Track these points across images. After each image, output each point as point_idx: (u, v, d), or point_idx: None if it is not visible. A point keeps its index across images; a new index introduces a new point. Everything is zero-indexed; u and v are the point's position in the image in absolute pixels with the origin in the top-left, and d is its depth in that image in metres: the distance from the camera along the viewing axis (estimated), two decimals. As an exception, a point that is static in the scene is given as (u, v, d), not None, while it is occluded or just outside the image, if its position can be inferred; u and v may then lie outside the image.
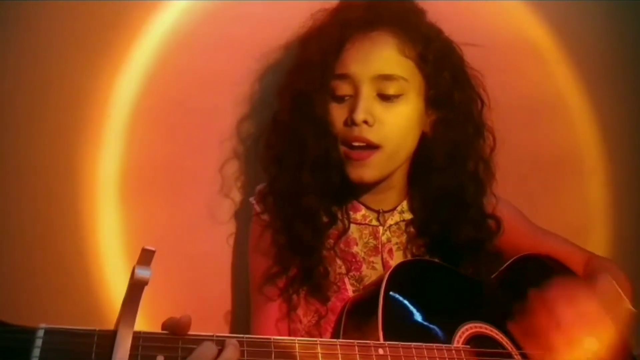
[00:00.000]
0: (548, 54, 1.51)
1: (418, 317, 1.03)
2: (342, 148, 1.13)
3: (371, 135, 1.11)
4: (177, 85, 1.26)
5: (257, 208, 1.20)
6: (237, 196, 1.32)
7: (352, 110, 1.10)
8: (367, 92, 1.11)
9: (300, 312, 1.14)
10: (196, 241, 1.28)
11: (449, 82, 1.17)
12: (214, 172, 1.29)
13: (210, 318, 1.26)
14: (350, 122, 1.11)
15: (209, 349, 0.76)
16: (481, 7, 1.43)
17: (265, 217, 1.19)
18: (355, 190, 1.20)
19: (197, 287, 1.27)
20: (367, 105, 1.10)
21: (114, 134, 1.21)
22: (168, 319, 0.78)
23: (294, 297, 1.13)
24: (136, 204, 1.24)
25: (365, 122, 1.10)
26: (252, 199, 1.23)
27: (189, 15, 1.25)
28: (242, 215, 1.30)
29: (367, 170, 1.13)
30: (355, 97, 1.12)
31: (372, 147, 1.11)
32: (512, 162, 1.33)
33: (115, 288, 1.19)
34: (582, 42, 1.53)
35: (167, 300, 1.11)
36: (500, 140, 1.26)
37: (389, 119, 1.12)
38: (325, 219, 1.16)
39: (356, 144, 1.11)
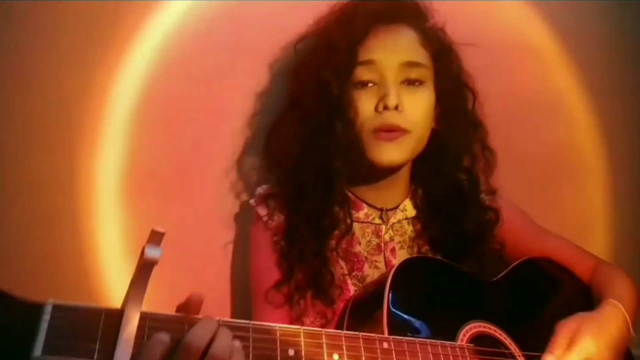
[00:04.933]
0: (548, 54, 1.52)
1: (422, 314, 1.02)
2: (369, 133, 1.13)
3: (401, 120, 1.12)
4: (181, 83, 1.26)
5: (259, 211, 1.19)
6: (239, 197, 1.31)
7: (384, 96, 1.12)
8: (395, 79, 1.13)
9: (306, 318, 1.13)
10: (197, 240, 1.27)
11: (454, 77, 1.21)
12: (216, 171, 1.29)
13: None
14: (382, 108, 1.12)
15: (206, 327, 0.74)
16: (481, 7, 1.44)
17: (267, 220, 1.18)
18: (372, 178, 1.20)
19: (198, 287, 1.25)
20: (397, 90, 1.12)
21: (116, 133, 1.21)
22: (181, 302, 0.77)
23: (301, 302, 1.13)
24: (137, 204, 1.23)
25: (396, 107, 1.11)
26: (252, 201, 1.22)
27: (196, 13, 1.26)
28: (244, 217, 1.29)
29: (397, 151, 1.13)
30: (381, 83, 1.13)
31: (402, 131, 1.13)
32: (511, 162, 1.33)
33: (115, 288, 1.18)
34: (582, 42, 1.54)
35: (165, 300, 1.10)
36: (499, 140, 1.27)
37: (415, 104, 1.14)
38: (327, 221, 1.16)
39: (387, 129, 1.12)
